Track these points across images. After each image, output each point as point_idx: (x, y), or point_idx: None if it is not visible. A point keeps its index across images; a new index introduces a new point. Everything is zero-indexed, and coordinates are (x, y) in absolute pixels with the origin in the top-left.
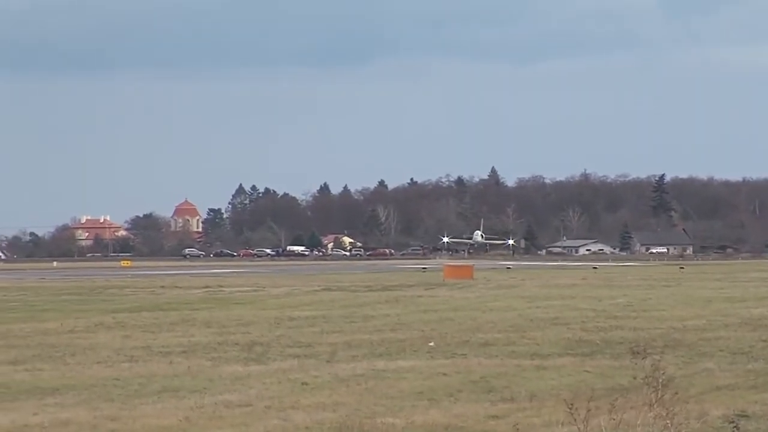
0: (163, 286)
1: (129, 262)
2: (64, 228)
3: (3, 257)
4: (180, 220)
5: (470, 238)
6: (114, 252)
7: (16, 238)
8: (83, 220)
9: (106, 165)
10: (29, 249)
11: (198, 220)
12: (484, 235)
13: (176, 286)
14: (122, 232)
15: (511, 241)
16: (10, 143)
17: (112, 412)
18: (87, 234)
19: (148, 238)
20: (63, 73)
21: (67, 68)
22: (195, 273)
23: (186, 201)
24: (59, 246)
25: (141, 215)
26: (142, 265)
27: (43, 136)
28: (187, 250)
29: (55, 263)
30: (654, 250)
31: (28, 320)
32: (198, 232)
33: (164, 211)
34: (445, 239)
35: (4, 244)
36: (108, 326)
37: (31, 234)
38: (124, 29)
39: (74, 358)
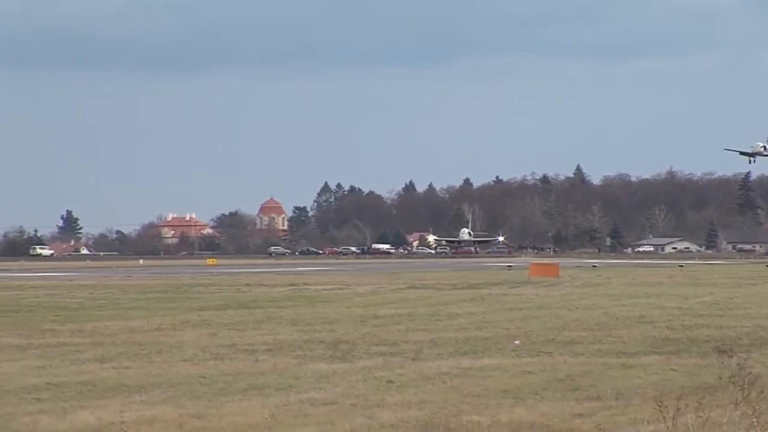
0: (248, 284)
1: (214, 260)
2: (151, 226)
3: (90, 254)
4: (265, 218)
5: (456, 237)
6: (200, 250)
7: (102, 236)
8: (169, 218)
9: (193, 163)
10: (116, 246)
11: (283, 218)
12: (471, 233)
13: (262, 284)
14: (208, 230)
15: (501, 239)
16: (98, 142)
17: (198, 409)
18: (173, 232)
19: (233, 236)
20: (153, 72)
21: (157, 68)
22: (280, 271)
23: (271, 199)
24: (145, 244)
25: (227, 213)
26: (228, 263)
27: (131, 135)
28: (272, 248)
29: (141, 261)
30: (740, 249)
31: (114, 318)
32: (283, 230)
33: (250, 209)
34: (432, 237)
35: (90, 242)
36: (194, 324)
37: (118, 232)
38: (213, 29)
39: (160, 356)
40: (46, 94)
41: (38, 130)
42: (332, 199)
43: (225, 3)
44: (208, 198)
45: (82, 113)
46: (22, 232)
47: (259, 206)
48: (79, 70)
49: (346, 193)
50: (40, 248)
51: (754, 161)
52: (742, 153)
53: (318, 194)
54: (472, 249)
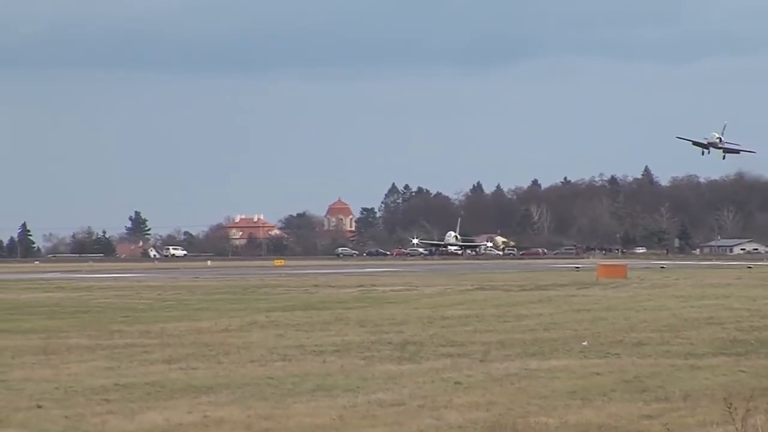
0: (316, 285)
1: (282, 261)
2: (218, 227)
3: (158, 256)
4: (333, 220)
5: (441, 240)
6: (267, 251)
7: (170, 237)
8: (237, 220)
9: (261, 164)
10: (183, 248)
11: (351, 219)
12: (458, 237)
13: (329, 285)
14: (276, 232)
15: (489, 244)
16: (166, 143)
17: (265, 410)
18: (241, 233)
19: (301, 237)
20: (216, 72)
21: (220, 68)
22: (348, 272)
23: (339, 200)
24: (213, 245)
25: (294, 214)
26: (295, 264)
27: (196, 137)
28: (340, 249)
29: (209, 262)
30: None
31: (182, 319)
32: (351, 231)
33: (318, 210)
34: (415, 241)
35: (159, 243)
36: (262, 325)
37: (186, 233)
38: (275, 29)
39: (228, 357)
40: (112, 94)
41: (106, 131)
42: (400, 200)
43: (290, 2)
44: (276, 199)
45: (149, 114)
46: (90, 233)
47: (327, 207)
48: (144, 71)
49: (413, 194)
50: (173, 248)
51: (708, 153)
52: (694, 143)
53: (385, 195)
54: (539, 250)
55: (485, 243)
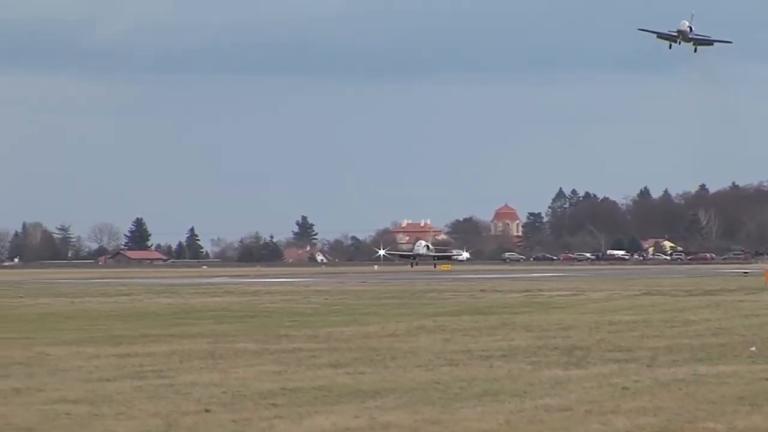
0: (483, 290)
1: (449, 265)
2: (385, 232)
3: (325, 261)
4: (500, 224)
5: (410, 251)
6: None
7: (337, 242)
8: (404, 224)
9: (428, 169)
10: (350, 253)
11: (518, 224)
12: (431, 247)
13: (496, 290)
14: (442, 236)
15: (466, 255)
16: (331, 149)
17: (432, 415)
18: (407, 238)
19: (467, 242)
20: (382, 77)
21: (387, 73)
22: (515, 277)
23: (506, 205)
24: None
25: (461, 219)
26: (462, 268)
27: (363, 142)
28: (506, 254)
29: (376, 267)
30: None
31: (349, 324)
32: (518, 236)
33: (484, 215)
34: (382, 252)
35: (326, 248)
36: (428, 330)
37: (353, 238)
38: (440, 32)
39: (395, 362)
40: (276, 100)
41: (270, 137)
42: (567, 205)
43: (454, 8)
44: (443, 204)
45: (315, 120)
46: (258, 238)
47: (494, 212)
48: (310, 77)
49: (580, 199)
50: (509, 254)
51: (678, 45)
52: (659, 35)
53: (552, 200)
54: (708, 255)
55: (461, 252)
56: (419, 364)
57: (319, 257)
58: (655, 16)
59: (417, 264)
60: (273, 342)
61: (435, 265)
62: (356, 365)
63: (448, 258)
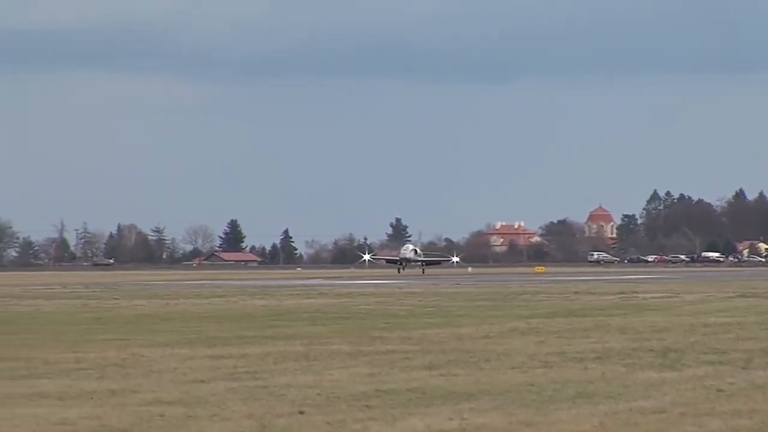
0: (577, 292)
1: (543, 268)
2: (479, 234)
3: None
4: (594, 226)
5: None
6: (528, 258)
7: (431, 244)
8: (497, 226)
9: (522, 171)
10: (445, 255)
11: (612, 225)
12: (418, 251)
13: (590, 292)
14: (536, 239)
15: (456, 259)
16: (424, 151)
17: (526, 417)
18: (501, 240)
19: (561, 244)
20: (469, 79)
21: (471, 75)
22: (608, 279)
23: (600, 207)
24: (473, 251)
25: (555, 221)
26: (556, 270)
27: (455, 143)
28: (595, 255)
29: (469, 269)
30: None
31: (443, 325)
32: (612, 238)
33: (578, 216)
34: (367, 257)
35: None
36: (522, 332)
37: (446, 240)
38: (526, 35)
39: (489, 364)
40: (370, 101)
41: (367, 138)
42: (661, 207)
43: (535, 11)
44: (537, 206)
45: (407, 122)
46: (351, 239)
47: (588, 214)
48: (397, 79)
49: (675, 200)
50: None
51: None
52: None
53: (647, 202)
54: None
55: (451, 258)
56: (513, 366)
57: None
58: (746, 14)
59: (405, 268)
60: (367, 344)
61: (423, 270)
62: (450, 367)
63: (438, 263)
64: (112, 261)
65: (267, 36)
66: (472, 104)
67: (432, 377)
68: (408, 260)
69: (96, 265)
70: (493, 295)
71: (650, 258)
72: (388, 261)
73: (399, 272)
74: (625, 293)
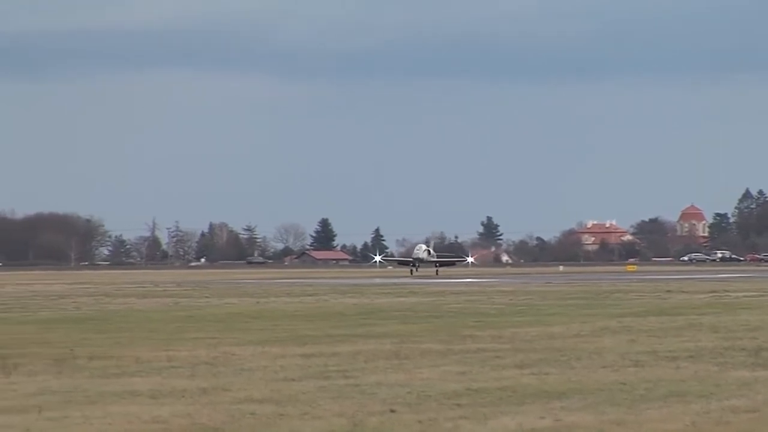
0: (669, 291)
1: (634, 266)
2: (570, 232)
3: (510, 261)
4: (686, 225)
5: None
6: (620, 257)
7: (522, 243)
8: (589, 225)
9: (613, 169)
10: (535, 253)
11: (704, 224)
12: (432, 252)
13: (682, 291)
14: (628, 237)
15: (470, 260)
16: (516, 149)
17: (617, 416)
18: (593, 239)
19: (653, 242)
20: (564, 77)
21: (568, 72)
22: (700, 278)
23: (692, 205)
24: (565, 250)
25: (646, 220)
26: (648, 269)
27: (545, 141)
28: (691, 255)
29: (561, 268)
30: None
31: (534, 324)
32: (703, 237)
33: (670, 215)
34: (378, 258)
35: (511, 249)
36: (613, 330)
37: (538, 238)
38: (616, 33)
39: (580, 363)
40: (459, 100)
41: (457, 137)
42: (753, 206)
43: (635, 8)
44: (629, 204)
45: (497, 119)
46: (442, 238)
47: (680, 212)
48: (493, 76)
49: (767, 199)
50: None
51: None
52: None
53: (739, 201)
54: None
55: (466, 258)
56: (604, 364)
57: (504, 258)
58: None
59: (417, 269)
60: (457, 342)
61: (437, 271)
62: (541, 366)
63: (452, 264)
64: (202, 260)
65: (357, 35)
66: (562, 101)
67: (523, 376)
68: (421, 260)
69: (251, 264)
70: (584, 293)
71: (742, 258)
72: (400, 262)
73: (412, 273)
74: (717, 292)
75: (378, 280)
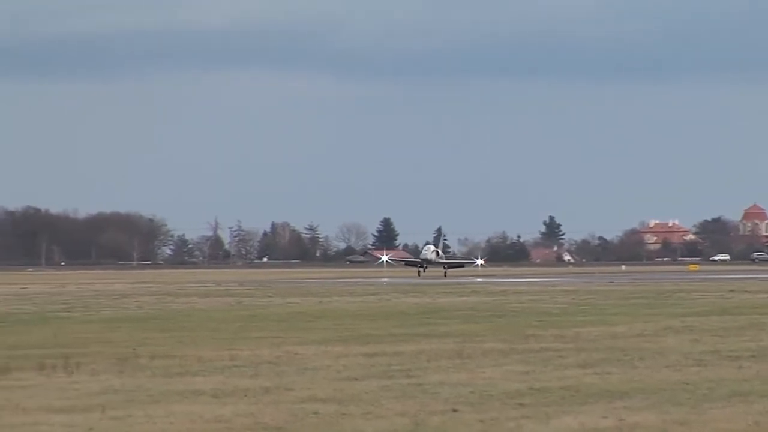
0: (732, 291)
1: (697, 266)
2: (633, 232)
3: (572, 261)
4: (748, 224)
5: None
6: (682, 256)
7: (584, 242)
8: (651, 224)
9: (675, 168)
10: (597, 253)
11: (767, 223)
12: (440, 253)
13: (745, 291)
14: (690, 236)
15: (480, 262)
16: (584, 148)
17: (680, 416)
18: (655, 238)
19: (715, 242)
20: (623, 76)
21: (626, 71)
22: (764, 277)
23: (755, 205)
24: (627, 250)
25: (709, 219)
26: (711, 269)
27: (607, 140)
28: (756, 254)
29: (623, 267)
30: None
31: (597, 324)
32: (766, 236)
33: (733, 214)
34: (385, 258)
35: (573, 248)
36: (676, 330)
37: (600, 238)
38: (678, 35)
39: (642, 362)
40: (520, 100)
41: (520, 137)
42: None
43: (699, 6)
44: (691, 204)
45: (560, 118)
46: (504, 237)
47: (743, 212)
48: (554, 75)
49: None
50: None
51: None
52: None
53: None
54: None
55: (475, 260)
56: (667, 364)
57: (566, 257)
58: None
59: (425, 270)
60: (520, 342)
61: (445, 273)
62: (604, 365)
63: (461, 265)
64: (265, 259)
65: (417, 36)
66: (625, 102)
67: (586, 375)
68: (429, 262)
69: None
70: (646, 293)
71: None
72: (407, 263)
73: (419, 275)
74: None
75: (439, 281)
